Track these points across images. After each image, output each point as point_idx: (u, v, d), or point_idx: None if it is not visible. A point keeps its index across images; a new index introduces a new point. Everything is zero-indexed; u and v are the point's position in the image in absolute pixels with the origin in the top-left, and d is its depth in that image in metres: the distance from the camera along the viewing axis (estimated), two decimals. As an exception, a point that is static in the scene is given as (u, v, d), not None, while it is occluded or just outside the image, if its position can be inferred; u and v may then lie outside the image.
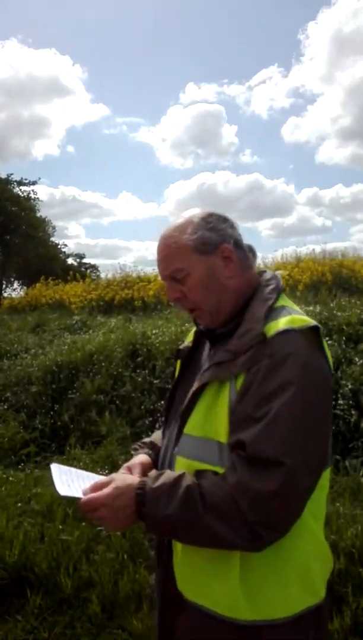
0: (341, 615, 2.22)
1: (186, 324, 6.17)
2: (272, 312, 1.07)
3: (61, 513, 3.12)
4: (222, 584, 1.01)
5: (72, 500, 3.27)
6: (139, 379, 5.15)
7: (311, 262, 9.52)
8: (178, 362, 1.30)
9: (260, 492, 0.93)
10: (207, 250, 1.11)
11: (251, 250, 1.19)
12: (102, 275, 14.16)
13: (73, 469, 1.20)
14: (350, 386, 4.27)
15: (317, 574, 1.10)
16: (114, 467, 3.50)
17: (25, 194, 24.53)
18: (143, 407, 4.84)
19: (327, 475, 1.10)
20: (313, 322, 1.06)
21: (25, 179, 24.75)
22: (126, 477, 1.10)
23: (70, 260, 30.99)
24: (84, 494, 1.06)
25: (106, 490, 1.04)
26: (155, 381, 5.09)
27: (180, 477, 1.01)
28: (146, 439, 1.35)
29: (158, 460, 1.21)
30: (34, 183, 24.91)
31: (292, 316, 1.05)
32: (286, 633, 1.03)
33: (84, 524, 3.02)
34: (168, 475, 1.03)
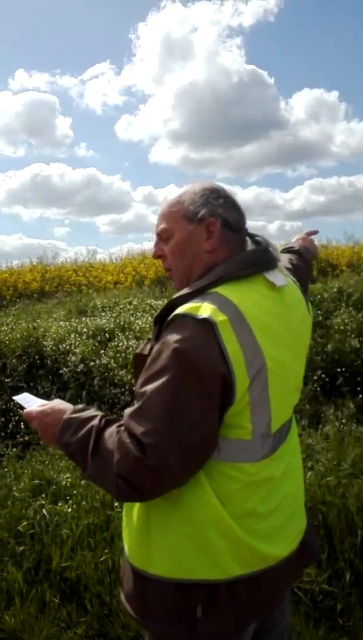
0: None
1: (38, 320, 6.01)
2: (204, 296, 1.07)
3: None
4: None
5: None
6: (-11, 379, 4.91)
7: (156, 258, 9.90)
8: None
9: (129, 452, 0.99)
10: (193, 219, 1.16)
11: (255, 241, 1.20)
12: None
13: (38, 399, 1.28)
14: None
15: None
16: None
17: None
18: (-6, 407, 4.63)
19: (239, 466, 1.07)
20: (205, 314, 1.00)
21: None
22: (67, 404, 1.19)
23: None
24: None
25: (41, 407, 1.18)
26: (6, 380, 4.91)
27: (93, 417, 1.10)
28: None
29: None
30: None
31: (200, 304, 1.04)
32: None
33: None
34: (89, 412, 1.13)
